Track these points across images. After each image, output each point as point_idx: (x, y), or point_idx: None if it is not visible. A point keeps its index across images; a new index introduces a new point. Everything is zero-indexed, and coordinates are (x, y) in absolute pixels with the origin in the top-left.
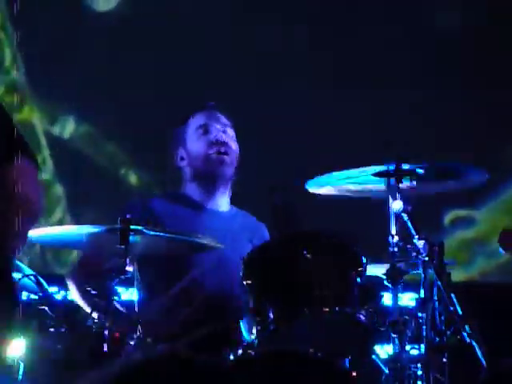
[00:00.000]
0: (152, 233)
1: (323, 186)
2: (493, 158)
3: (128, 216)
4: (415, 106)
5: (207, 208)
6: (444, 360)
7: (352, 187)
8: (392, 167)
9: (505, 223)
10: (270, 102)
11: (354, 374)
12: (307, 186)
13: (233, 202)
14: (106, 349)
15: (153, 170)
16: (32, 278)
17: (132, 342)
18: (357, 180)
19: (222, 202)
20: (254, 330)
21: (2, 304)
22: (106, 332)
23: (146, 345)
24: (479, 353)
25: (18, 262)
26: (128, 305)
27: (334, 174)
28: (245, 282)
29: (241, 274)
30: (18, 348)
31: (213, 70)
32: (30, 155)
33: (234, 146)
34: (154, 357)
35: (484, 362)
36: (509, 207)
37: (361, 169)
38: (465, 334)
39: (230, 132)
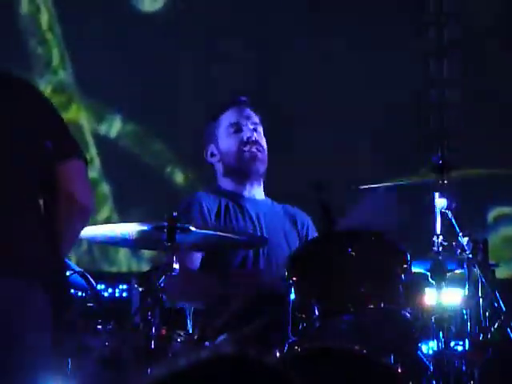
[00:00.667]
0: (198, 231)
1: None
2: None
3: (175, 214)
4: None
5: (245, 197)
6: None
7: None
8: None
9: None
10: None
11: (400, 370)
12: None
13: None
14: (152, 346)
15: (198, 167)
16: (80, 275)
17: (179, 340)
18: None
19: (257, 192)
20: (299, 327)
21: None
22: (153, 330)
23: (193, 342)
24: None
25: (67, 260)
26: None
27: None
28: (290, 279)
29: (286, 272)
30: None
31: (252, 67)
32: (80, 154)
33: (264, 143)
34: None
35: None
36: None
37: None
38: (509, 330)
39: (260, 130)
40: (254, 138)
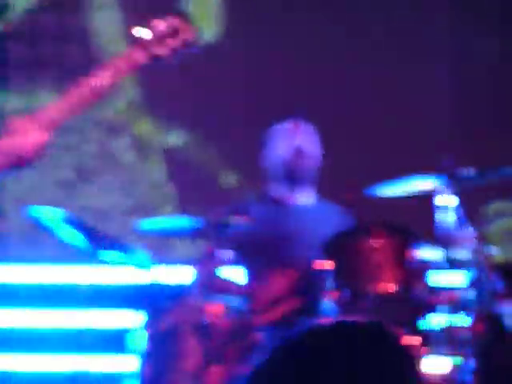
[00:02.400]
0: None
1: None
2: None
3: (229, 209)
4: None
5: (289, 204)
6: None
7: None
8: (447, 167)
9: None
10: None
11: (414, 339)
12: (376, 191)
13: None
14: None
15: (249, 172)
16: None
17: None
18: (414, 183)
19: (304, 198)
20: (332, 306)
21: None
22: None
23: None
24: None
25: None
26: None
27: (399, 180)
28: (326, 265)
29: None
30: None
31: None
32: None
33: (315, 151)
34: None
35: None
36: None
37: (419, 175)
38: (504, 306)
39: (312, 139)
40: (302, 148)
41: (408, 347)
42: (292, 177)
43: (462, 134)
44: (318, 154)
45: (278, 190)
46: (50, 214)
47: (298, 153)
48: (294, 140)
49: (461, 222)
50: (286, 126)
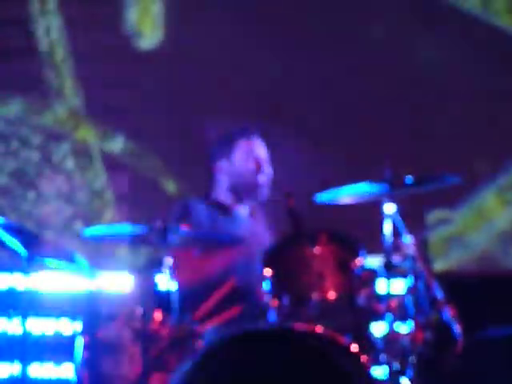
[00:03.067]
0: (185, 232)
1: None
2: (467, 169)
3: (167, 217)
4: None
5: (235, 212)
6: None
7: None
8: (387, 177)
9: (475, 222)
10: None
11: (355, 346)
12: (321, 197)
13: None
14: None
15: (187, 178)
16: None
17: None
18: (356, 189)
19: (245, 211)
20: (273, 312)
21: None
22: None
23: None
24: (456, 330)
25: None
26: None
27: (342, 188)
28: (265, 272)
29: (261, 266)
30: None
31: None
32: None
33: (269, 170)
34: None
35: (459, 337)
36: (479, 208)
37: (362, 182)
38: (444, 313)
39: (267, 158)
40: (263, 166)
41: (357, 356)
42: (248, 188)
43: (404, 142)
44: (270, 168)
45: (226, 198)
46: None
47: (258, 168)
48: (255, 156)
49: (401, 229)
50: (246, 142)
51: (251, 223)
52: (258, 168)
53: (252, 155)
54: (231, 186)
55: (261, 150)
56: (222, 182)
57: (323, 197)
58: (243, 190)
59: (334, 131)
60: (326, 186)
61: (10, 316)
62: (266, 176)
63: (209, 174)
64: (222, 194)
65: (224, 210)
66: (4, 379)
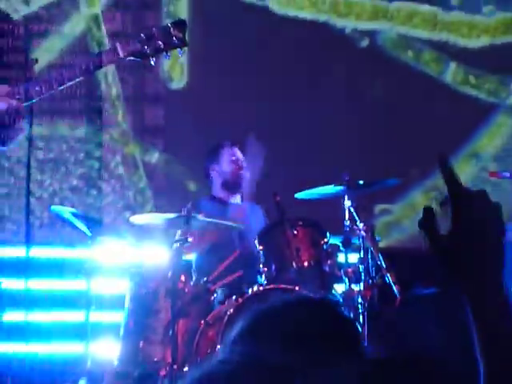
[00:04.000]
0: (201, 219)
1: (306, 195)
2: (403, 174)
3: (190, 207)
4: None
5: (230, 203)
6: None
7: (320, 195)
8: (346, 181)
9: (407, 213)
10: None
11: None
12: (297, 195)
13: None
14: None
15: (203, 181)
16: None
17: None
18: (325, 190)
19: (238, 199)
20: (263, 277)
21: None
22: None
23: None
24: (395, 289)
25: None
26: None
27: (315, 189)
28: (258, 248)
29: (256, 243)
30: None
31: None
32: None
33: (249, 167)
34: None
35: (398, 296)
36: (410, 203)
37: (328, 185)
38: (386, 277)
39: (246, 158)
40: (243, 169)
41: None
42: (232, 184)
43: (357, 155)
44: (252, 168)
45: (220, 193)
46: (67, 211)
47: (239, 168)
48: (235, 159)
49: (355, 217)
50: (229, 148)
51: (241, 210)
52: (239, 168)
53: (233, 159)
54: (222, 184)
55: (239, 155)
56: (216, 181)
57: (301, 195)
58: (231, 185)
59: (309, 147)
60: (302, 187)
61: (77, 277)
62: (245, 174)
63: (207, 176)
64: (218, 190)
65: (221, 202)
66: (74, 323)
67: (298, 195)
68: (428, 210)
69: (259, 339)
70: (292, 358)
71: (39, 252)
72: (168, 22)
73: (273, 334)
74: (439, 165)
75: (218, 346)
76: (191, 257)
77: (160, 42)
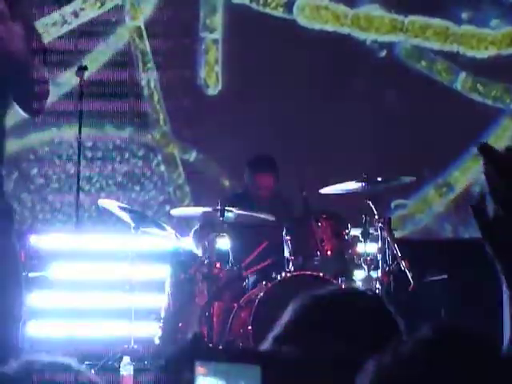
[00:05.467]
0: (235, 211)
1: (332, 191)
2: (417, 172)
3: (224, 201)
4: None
5: (261, 198)
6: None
7: (342, 190)
8: (365, 178)
9: (421, 207)
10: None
11: (344, 285)
12: (322, 191)
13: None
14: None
15: (235, 178)
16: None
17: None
18: (347, 186)
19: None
20: (290, 264)
21: None
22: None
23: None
24: (409, 275)
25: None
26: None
27: (338, 185)
28: (286, 238)
29: (284, 234)
30: None
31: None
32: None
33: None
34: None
35: (412, 281)
36: (424, 198)
37: (350, 181)
38: (401, 265)
39: (272, 182)
40: (265, 188)
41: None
42: (257, 194)
43: (377, 154)
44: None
45: (252, 191)
46: (113, 204)
47: (267, 193)
48: (267, 185)
49: (374, 211)
50: (263, 175)
51: (271, 204)
52: (268, 193)
53: (265, 185)
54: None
55: (272, 183)
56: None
57: (326, 190)
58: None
59: (334, 147)
60: (327, 183)
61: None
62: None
63: (245, 179)
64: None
65: (252, 197)
66: (119, 306)
67: (323, 190)
68: (482, 197)
69: (320, 330)
70: (354, 348)
71: (87, 240)
72: (204, 35)
73: (336, 324)
74: (483, 155)
75: (249, 327)
76: (226, 245)
77: None
